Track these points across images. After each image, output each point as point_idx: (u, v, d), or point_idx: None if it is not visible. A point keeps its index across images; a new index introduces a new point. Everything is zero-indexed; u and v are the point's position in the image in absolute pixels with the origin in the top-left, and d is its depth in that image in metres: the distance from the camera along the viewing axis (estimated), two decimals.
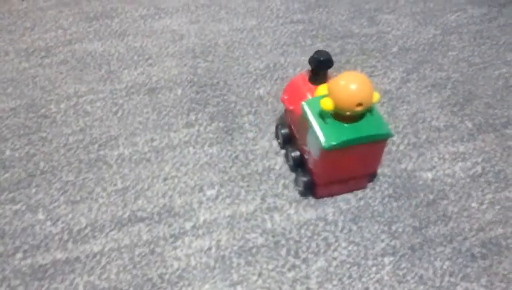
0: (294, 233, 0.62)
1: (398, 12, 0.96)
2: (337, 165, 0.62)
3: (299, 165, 0.67)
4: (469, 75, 0.84)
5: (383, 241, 0.62)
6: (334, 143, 0.57)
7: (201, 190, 0.66)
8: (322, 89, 0.64)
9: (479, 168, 0.70)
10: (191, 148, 0.71)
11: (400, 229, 0.63)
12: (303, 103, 0.61)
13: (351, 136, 0.58)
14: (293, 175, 0.68)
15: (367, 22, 0.94)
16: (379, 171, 0.69)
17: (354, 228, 0.63)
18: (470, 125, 0.75)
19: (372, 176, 0.67)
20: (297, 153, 0.67)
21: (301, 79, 0.67)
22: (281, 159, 0.70)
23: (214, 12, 0.95)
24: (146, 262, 0.59)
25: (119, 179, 0.68)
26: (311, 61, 0.64)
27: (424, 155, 0.71)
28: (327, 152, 0.58)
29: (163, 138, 0.72)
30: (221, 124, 0.75)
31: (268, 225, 0.63)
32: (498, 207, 0.66)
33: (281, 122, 0.71)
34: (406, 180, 0.68)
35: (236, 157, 0.71)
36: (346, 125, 0.59)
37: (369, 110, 0.60)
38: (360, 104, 0.56)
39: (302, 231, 0.63)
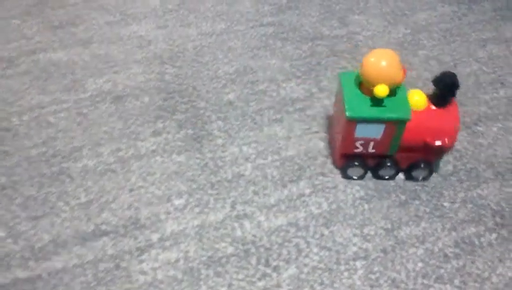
0: (264, 240, 0.61)
1: (368, 13, 0.95)
2: (336, 105, 0.68)
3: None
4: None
5: (355, 245, 0.61)
6: (340, 75, 0.65)
7: (168, 199, 0.65)
8: (411, 95, 0.63)
9: (450, 167, 0.69)
10: (158, 157, 0.69)
11: (372, 232, 0.62)
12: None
13: (343, 84, 0.63)
14: (263, 182, 0.67)
15: (337, 23, 0.93)
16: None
17: (326, 232, 0.62)
18: None
19: (344, 172, 0.67)
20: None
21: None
22: (250, 165, 0.69)
23: (183, 17, 0.93)
24: (111, 278, 0.57)
25: (82, 192, 0.65)
26: (438, 82, 0.61)
27: None
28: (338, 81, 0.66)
29: (129, 148, 0.70)
30: (189, 132, 0.73)
31: (238, 233, 0.62)
32: (470, 205, 0.65)
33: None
34: (377, 181, 0.67)
35: (206, 165, 0.69)
36: (359, 89, 0.63)
37: (380, 102, 0.61)
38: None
39: (273, 237, 0.61)
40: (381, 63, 0.58)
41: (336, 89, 0.70)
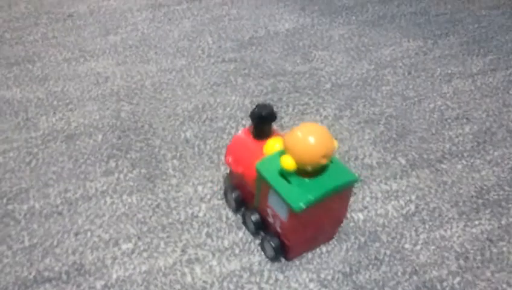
0: (216, 287, 0.57)
1: (332, 49, 0.94)
2: (309, 223, 0.56)
3: (260, 228, 0.61)
4: (403, 109, 0.82)
5: None
6: (304, 205, 0.52)
7: (116, 243, 0.61)
8: (271, 143, 0.59)
9: (412, 207, 0.67)
10: (108, 198, 0.66)
11: (329, 277, 0.59)
12: (257, 165, 0.56)
13: (320, 192, 0.53)
14: (217, 223, 0.64)
15: (300, 59, 0.92)
16: None
17: (281, 277, 0.59)
18: (403, 161, 0.73)
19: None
20: (257, 216, 0.60)
21: (244, 136, 0.62)
22: (205, 206, 0.66)
23: (143, 53, 0.92)
24: None
25: (26, 235, 0.62)
26: (253, 116, 0.58)
27: (356, 195, 0.68)
28: (298, 214, 0.53)
29: (77, 189, 0.67)
30: (143, 171, 0.70)
31: (188, 279, 0.58)
32: (433, 247, 0.62)
33: (230, 185, 0.65)
34: None
35: (158, 206, 0.66)
36: (309, 180, 0.54)
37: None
38: (324, 156, 0.52)
39: (225, 283, 0.58)
40: (326, 134, 0.53)
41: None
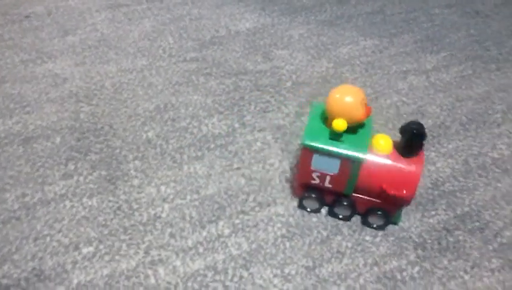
0: (180, 287, 0.57)
1: (292, 48, 0.95)
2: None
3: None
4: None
5: (275, 286, 0.58)
6: (311, 104, 0.67)
7: (76, 248, 0.60)
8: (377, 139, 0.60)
9: None
10: (67, 202, 0.65)
11: (293, 272, 0.59)
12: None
13: (310, 112, 0.63)
14: (181, 223, 0.64)
15: (261, 58, 0.92)
16: (272, 210, 0.66)
17: (245, 274, 0.59)
18: None
19: (300, 202, 0.66)
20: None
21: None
22: (168, 206, 0.66)
23: (102, 54, 0.91)
24: None
25: None
26: (403, 131, 0.58)
27: None
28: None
29: (35, 193, 0.66)
30: (103, 173, 0.69)
31: (152, 281, 0.58)
32: (392, 239, 0.64)
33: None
34: (299, 218, 0.65)
35: (119, 208, 0.65)
36: (323, 121, 0.62)
37: (338, 136, 0.60)
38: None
39: (189, 283, 0.58)
40: (342, 98, 0.58)
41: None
